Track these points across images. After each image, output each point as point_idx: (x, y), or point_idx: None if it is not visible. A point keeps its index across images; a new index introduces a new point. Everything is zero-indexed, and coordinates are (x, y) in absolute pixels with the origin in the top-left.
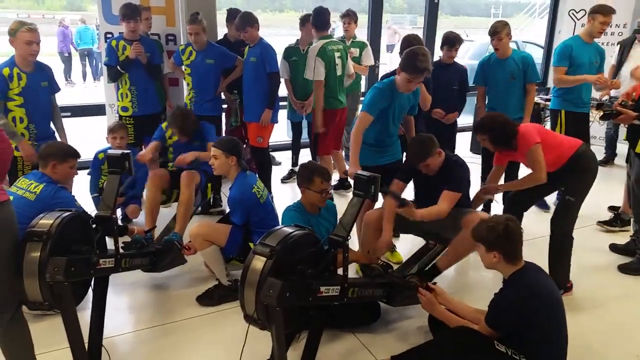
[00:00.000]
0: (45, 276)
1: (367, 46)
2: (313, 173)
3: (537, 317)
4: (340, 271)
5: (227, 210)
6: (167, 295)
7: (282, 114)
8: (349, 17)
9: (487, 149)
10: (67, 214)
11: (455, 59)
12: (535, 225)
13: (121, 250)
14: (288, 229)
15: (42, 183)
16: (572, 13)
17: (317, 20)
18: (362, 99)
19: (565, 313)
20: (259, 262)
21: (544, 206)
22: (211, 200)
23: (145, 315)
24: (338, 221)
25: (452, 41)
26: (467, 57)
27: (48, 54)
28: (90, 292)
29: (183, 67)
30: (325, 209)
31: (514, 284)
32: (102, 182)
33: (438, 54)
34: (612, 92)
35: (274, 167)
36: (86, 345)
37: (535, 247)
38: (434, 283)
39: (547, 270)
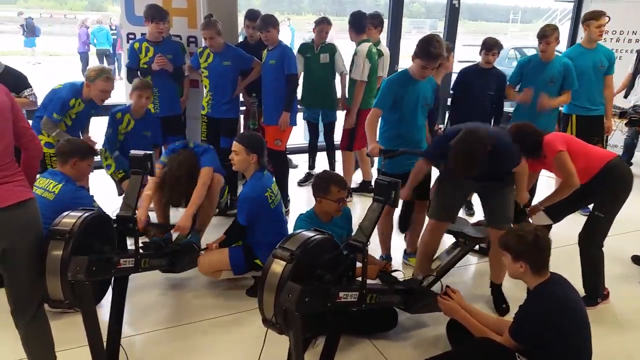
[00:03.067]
0: (66, 275)
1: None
2: (329, 182)
3: (563, 331)
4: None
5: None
6: (184, 297)
7: (301, 117)
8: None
9: None
10: (89, 213)
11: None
12: (565, 232)
13: (141, 251)
14: (308, 233)
15: (61, 182)
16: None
17: (356, 24)
18: None
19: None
20: (278, 266)
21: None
22: (228, 203)
23: (162, 316)
24: (353, 226)
25: (490, 46)
26: None
27: (69, 55)
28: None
29: (200, 70)
30: (338, 218)
31: (540, 296)
32: (119, 143)
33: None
34: (634, 101)
35: (290, 170)
36: (104, 344)
37: (565, 255)
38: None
39: (577, 280)
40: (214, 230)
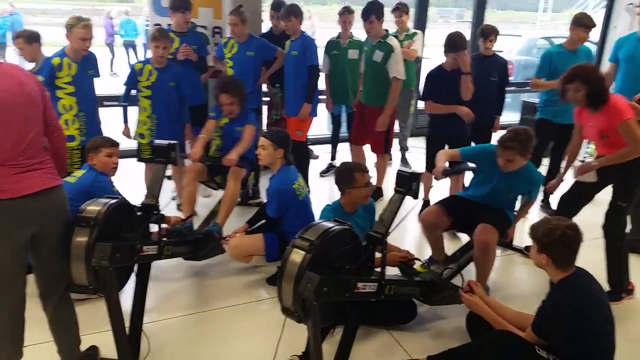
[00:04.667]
0: (91, 261)
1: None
2: (352, 171)
3: (588, 326)
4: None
5: (265, 200)
6: (205, 284)
7: (322, 108)
8: (399, 10)
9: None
10: (114, 201)
11: (502, 54)
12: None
13: (163, 238)
14: (328, 224)
15: (84, 169)
16: (631, 7)
17: (381, 14)
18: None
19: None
20: (297, 256)
21: None
22: (250, 192)
23: (183, 302)
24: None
25: (486, 33)
26: (515, 52)
27: (97, 45)
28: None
29: (225, 60)
30: (363, 208)
31: (565, 290)
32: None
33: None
34: None
35: (311, 161)
36: (127, 329)
37: (591, 248)
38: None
39: (602, 273)
40: (235, 220)
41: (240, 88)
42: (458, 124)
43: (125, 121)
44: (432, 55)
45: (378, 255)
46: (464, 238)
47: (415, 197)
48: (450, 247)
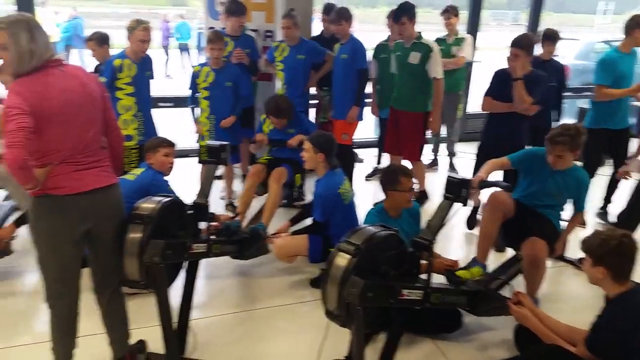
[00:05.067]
0: (143, 257)
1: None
2: (398, 173)
3: None
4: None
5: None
6: (250, 283)
7: (368, 111)
8: (448, 12)
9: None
10: (167, 199)
11: (559, 59)
12: None
13: (212, 237)
14: (373, 229)
15: (143, 168)
16: None
17: (413, 14)
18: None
19: None
20: (343, 260)
21: None
22: (295, 194)
23: (229, 300)
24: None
25: (552, 36)
26: (573, 57)
27: (153, 47)
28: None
29: (275, 63)
30: (408, 213)
31: (621, 305)
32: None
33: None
34: None
35: (356, 164)
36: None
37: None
38: None
39: None
40: (281, 221)
41: (289, 112)
42: (515, 127)
43: (195, 121)
44: (485, 58)
45: (424, 262)
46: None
47: (465, 204)
48: (493, 260)
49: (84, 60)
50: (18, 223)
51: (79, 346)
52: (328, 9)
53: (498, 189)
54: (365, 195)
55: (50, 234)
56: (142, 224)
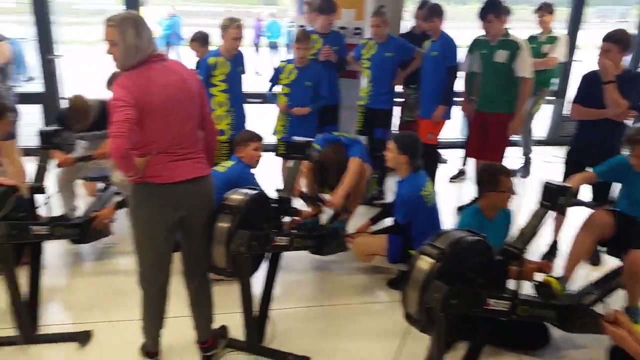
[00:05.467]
0: (230, 246)
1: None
2: (498, 173)
3: None
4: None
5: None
6: (327, 279)
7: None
8: (542, 9)
9: None
10: (254, 192)
11: None
12: None
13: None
14: (460, 233)
15: (233, 161)
16: None
17: (500, 11)
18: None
19: None
20: (426, 263)
21: None
22: (375, 193)
23: (306, 294)
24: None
25: None
26: None
27: (245, 45)
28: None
29: (361, 61)
30: (502, 215)
31: None
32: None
33: None
34: None
35: (440, 165)
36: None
37: None
38: None
39: None
40: (361, 220)
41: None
42: (607, 133)
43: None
44: (586, 58)
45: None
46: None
47: (562, 212)
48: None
49: (181, 56)
50: (118, 206)
51: (166, 327)
52: (422, 5)
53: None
54: (448, 197)
55: (147, 219)
56: (230, 214)
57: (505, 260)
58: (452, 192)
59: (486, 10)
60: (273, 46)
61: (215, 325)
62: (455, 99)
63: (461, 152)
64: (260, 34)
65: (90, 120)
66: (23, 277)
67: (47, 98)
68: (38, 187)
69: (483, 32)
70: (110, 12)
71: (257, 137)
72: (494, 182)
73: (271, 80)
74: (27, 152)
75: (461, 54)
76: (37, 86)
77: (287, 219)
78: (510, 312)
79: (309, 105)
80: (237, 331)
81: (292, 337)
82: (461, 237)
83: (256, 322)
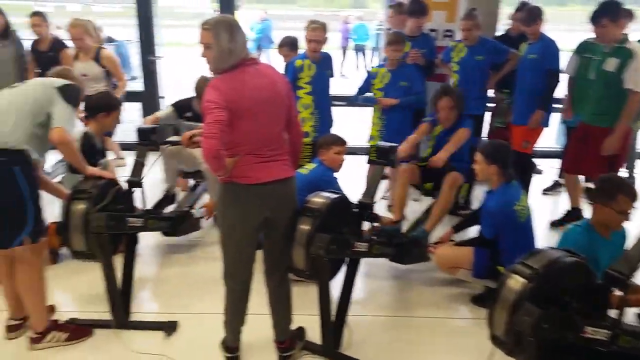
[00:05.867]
0: (310, 248)
1: None
2: (618, 190)
3: None
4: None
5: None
6: (407, 288)
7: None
8: None
9: None
10: (336, 196)
11: None
12: None
13: (373, 237)
14: (557, 253)
15: (316, 164)
16: None
17: (617, 14)
18: None
19: None
20: (517, 283)
21: None
22: (461, 201)
23: (384, 303)
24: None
25: None
26: None
27: (332, 48)
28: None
29: (450, 64)
30: (618, 234)
31: None
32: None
33: None
34: None
35: (534, 176)
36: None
37: None
38: None
39: None
40: (443, 229)
41: (462, 97)
42: None
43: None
44: None
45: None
46: None
47: None
48: None
49: (272, 60)
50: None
51: (247, 323)
52: (520, 7)
53: None
54: (540, 211)
55: (232, 218)
56: (311, 217)
57: (607, 286)
58: (545, 205)
59: (600, 14)
60: (359, 49)
61: (294, 326)
62: (553, 105)
63: (556, 163)
64: (347, 37)
65: None
66: (118, 265)
67: (147, 97)
68: (135, 181)
69: (590, 36)
70: (208, 15)
71: (341, 141)
72: (610, 197)
73: (362, 87)
74: (126, 147)
75: (562, 58)
76: (138, 85)
77: (367, 224)
78: (611, 342)
79: (401, 100)
80: (314, 334)
81: (369, 346)
82: (558, 257)
83: (333, 327)
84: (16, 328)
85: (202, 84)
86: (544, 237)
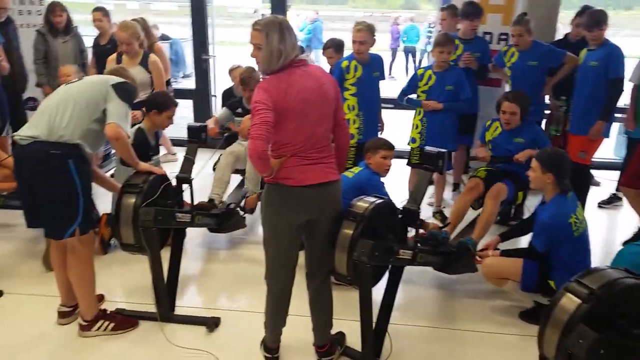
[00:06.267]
0: (352, 254)
1: None
2: None
3: None
4: None
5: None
6: (452, 299)
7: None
8: None
9: None
10: (380, 201)
11: None
12: None
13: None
14: (615, 273)
15: (361, 167)
16: None
17: None
18: None
19: None
20: (571, 303)
21: None
22: (512, 212)
23: (428, 313)
24: None
25: None
26: None
27: (381, 49)
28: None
29: (505, 69)
30: None
31: None
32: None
33: None
34: None
35: (592, 188)
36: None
37: None
38: None
39: None
40: (489, 237)
41: (527, 102)
42: None
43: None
44: None
45: None
46: None
47: None
48: None
49: (321, 61)
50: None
51: (288, 325)
52: (582, 11)
53: None
54: (596, 225)
55: (275, 219)
56: (354, 221)
57: None
58: (600, 220)
59: None
60: (409, 50)
61: (334, 330)
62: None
63: (614, 175)
64: (397, 38)
65: None
66: (164, 259)
67: (198, 94)
68: (184, 178)
69: None
70: (261, 15)
71: (388, 146)
72: None
73: (405, 89)
74: (177, 143)
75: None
76: (191, 83)
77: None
78: None
79: (445, 105)
80: (354, 339)
81: (409, 357)
82: (617, 278)
83: (374, 334)
84: (67, 315)
85: (247, 74)
86: (599, 254)
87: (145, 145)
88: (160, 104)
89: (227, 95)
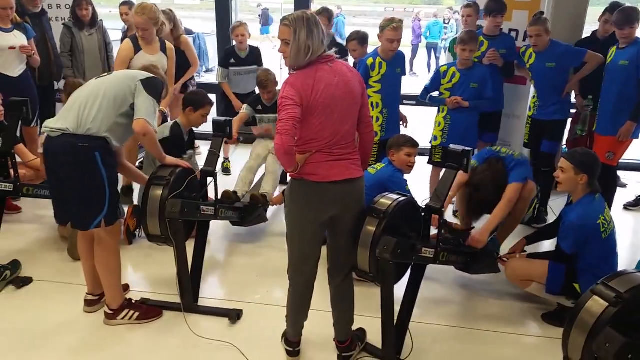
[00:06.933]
0: (375, 250)
1: None
2: None
3: None
4: None
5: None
6: (473, 299)
7: None
8: None
9: None
10: (404, 198)
11: None
12: None
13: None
14: None
15: (384, 164)
16: None
17: None
18: None
19: None
20: (598, 305)
21: None
22: (535, 213)
23: (449, 312)
24: None
25: None
26: None
27: (403, 45)
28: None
29: (526, 68)
30: None
31: None
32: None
33: None
34: None
35: (618, 189)
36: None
37: None
38: None
39: None
40: (514, 239)
41: None
42: None
43: None
44: None
45: None
46: None
47: None
48: None
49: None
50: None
51: (310, 319)
52: (611, 8)
53: None
54: (622, 226)
55: (298, 214)
56: (377, 218)
57: None
58: (627, 222)
59: None
60: (431, 47)
61: (355, 326)
62: None
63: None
64: (419, 34)
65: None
66: (189, 251)
67: (221, 89)
68: (209, 171)
69: None
70: (288, 10)
71: (412, 143)
72: None
73: (428, 87)
74: (201, 137)
75: None
76: (213, 77)
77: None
78: None
79: (470, 103)
80: (375, 336)
81: (431, 356)
82: None
83: (395, 332)
84: (94, 303)
85: (264, 77)
86: (625, 256)
87: (180, 140)
88: (196, 102)
89: (228, 53)
